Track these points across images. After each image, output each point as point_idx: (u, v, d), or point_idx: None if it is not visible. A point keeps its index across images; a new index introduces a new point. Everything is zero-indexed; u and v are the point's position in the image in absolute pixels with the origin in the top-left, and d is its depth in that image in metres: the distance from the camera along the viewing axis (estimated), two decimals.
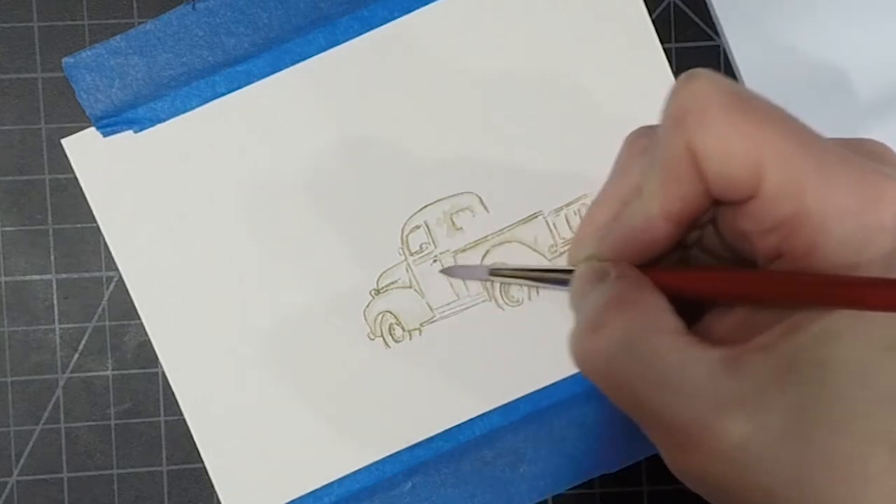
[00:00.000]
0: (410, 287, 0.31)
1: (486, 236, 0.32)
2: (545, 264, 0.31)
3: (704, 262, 0.22)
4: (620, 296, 0.19)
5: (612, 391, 0.19)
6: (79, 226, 0.32)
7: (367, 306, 0.31)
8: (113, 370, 0.32)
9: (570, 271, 0.22)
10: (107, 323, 0.32)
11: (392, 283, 0.31)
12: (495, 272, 0.28)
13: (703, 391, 0.18)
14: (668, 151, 0.18)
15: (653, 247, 0.20)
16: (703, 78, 0.18)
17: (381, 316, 0.31)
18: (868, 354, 0.17)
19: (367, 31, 0.31)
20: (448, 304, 0.31)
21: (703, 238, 0.21)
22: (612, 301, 0.19)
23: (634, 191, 0.20)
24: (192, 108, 0.31)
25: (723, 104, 0.18)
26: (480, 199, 0.32)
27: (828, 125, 0.33)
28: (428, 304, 0.31)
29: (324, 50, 0.31)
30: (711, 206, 0.19)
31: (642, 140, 0.21)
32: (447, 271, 0.31)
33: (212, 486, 0.31)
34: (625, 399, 0.19)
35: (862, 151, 0.19)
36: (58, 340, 0.32)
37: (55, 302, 0.32)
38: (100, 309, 0.32)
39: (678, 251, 0.21)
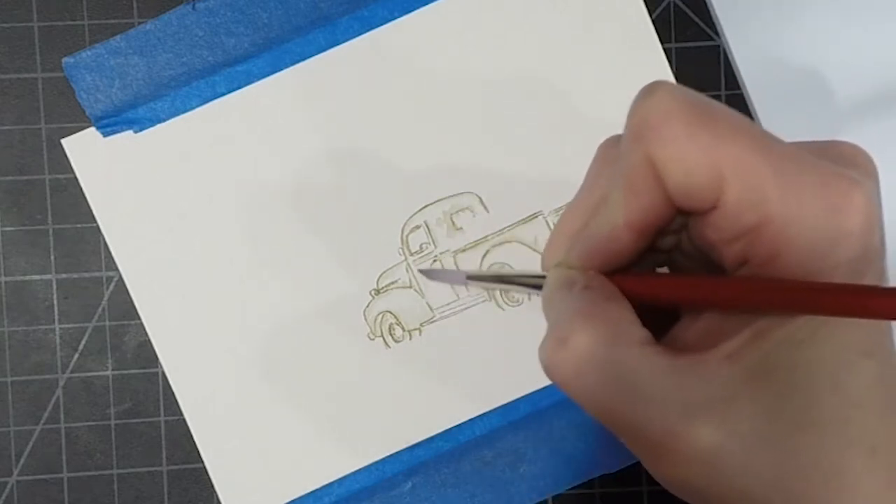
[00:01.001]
0: (410, 287, 0.31)
1: (486, 236, 0.32)
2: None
3: (684, 266, 0.22)
4: (586, 308, 0.19)
5: (582, 403, 0.19)
6: (79, 226, 0.32)
7: (367, 306, 0.31)
8: (113, 370, 0.32)
9: (543, 276, 0.22)
10: (107, 323, 0.32)
11: (392, 283, 0.31)
12: (472, 277, 0.28)
13: (670, 399, 0.18)
14: (629, 164, 0.19)
15: (619, 255, 0.20)
16: (663, 90, 0.18)
17: (381, 316, 0.31)
18: (834, 359, 0.18)
19: (367, 31, 0.31)
20: (448, 304, 0.31)
21: (682, 243, 0.21)
22: (577, 313, 0.19)
23: (603, 200, 0.20)
24: (192, 108, 0.31)
25: (681, 117, 0.18)
26: (480, 199, 0.32)
27: (826, 124, 0.33)
28: (428, 304, 0.31)
29: (324, 50, 0.31)
30: (678, 215, 0.19)
31: (612, 150, 0.21)
32: (426, 273, 0.30)
33: (212, 486, 0.31)
34: (596, 410, 0.19)
35: (832, 154, 0.19)
36: (58, 340, 0.32)
37: (55, 302, 0.32)
38: (100, 309, 0.32)
39: (658, 256, 0.22)
